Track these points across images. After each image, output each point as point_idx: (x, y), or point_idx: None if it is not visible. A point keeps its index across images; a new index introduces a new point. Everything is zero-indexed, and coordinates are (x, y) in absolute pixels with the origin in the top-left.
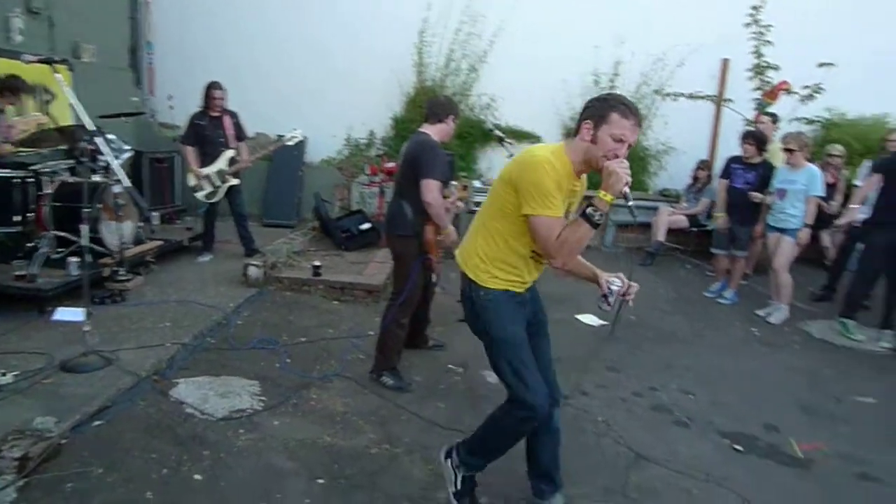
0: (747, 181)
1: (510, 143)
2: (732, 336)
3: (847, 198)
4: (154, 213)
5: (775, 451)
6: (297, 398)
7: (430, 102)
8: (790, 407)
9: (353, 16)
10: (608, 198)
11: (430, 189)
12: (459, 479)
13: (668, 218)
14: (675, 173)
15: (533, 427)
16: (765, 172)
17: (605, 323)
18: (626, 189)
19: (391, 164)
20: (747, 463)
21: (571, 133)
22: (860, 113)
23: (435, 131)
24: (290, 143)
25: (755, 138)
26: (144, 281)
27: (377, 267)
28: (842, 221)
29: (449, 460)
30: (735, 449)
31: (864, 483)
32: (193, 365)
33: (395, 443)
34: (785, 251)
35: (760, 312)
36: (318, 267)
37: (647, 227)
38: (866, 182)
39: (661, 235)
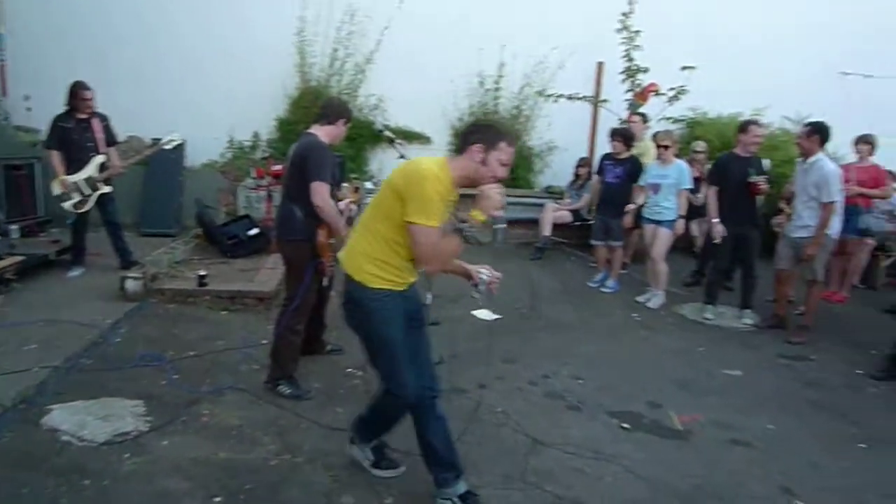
0: (617, 175)
1: (401, 144)
2: (615, 322)
3: None
4: (13, 226)
5: (658, 425)
6: (188, 415)
7: (322, 104)
8: (669, 384)
9: (230, 12)
10: (481, 217)
11: (320, 192)
12: (369, 450)
13: (553, 214)
14: (558, 171)
15: (407, 409)
16: (632, 167)
17: (499, 317)
18: (498, 213)
19: (278, 167)
20: (634, 439)
21: (459, 133)
22: (719, 112)
23: (324, 133)
24: (167, 146)
25: (622, 135)
26: (4, 301)
27: (268, 273)
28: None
29: (354, 446)
30: (622, 427)
31: (736, 447)
32: (68, 389)
33: (295, 452)
34: (661, 241)
35: (640, 299)
36: (203, 276)
37: (534, 223)
38: (712, 195)
39: (547, 231)
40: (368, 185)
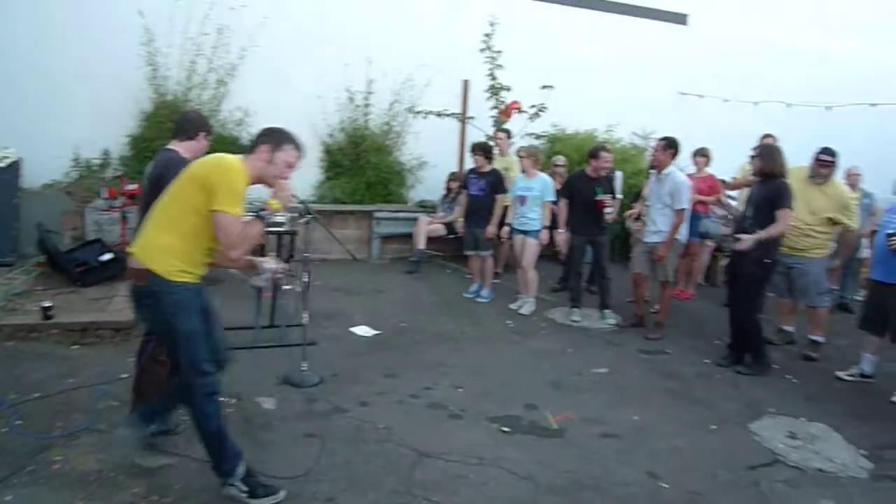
0: (480, 188)
1: None
2: (491, 330)
3: None
4: None
5: (535, 426)
6: (35, 464)
7: (179, 118)
8: (543, 385)
9: (73, 23)
10: (277, 206)
11: None
12: (240, 484)
13: (426, 227)
14: (430, 185)
15: (214, 393)
16: (494, 179)
17: (378, 332)
18: (293, 202)
19: (133, 186)
20: (514, 441)
21: (335, 148)
22: (576, 129)
23: (184, 148)
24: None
25: (482, 149)
26: None
27: (124, 301)
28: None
29: (225, 485)
30: (503, 431)
31: (607, 439)
32: None
33: (164, 492)
34: (530, 250)
35: (513, 306)
36: (48, 308)
37: (409, 237)
38: (563, 206)
39: (421, 244)
40: None
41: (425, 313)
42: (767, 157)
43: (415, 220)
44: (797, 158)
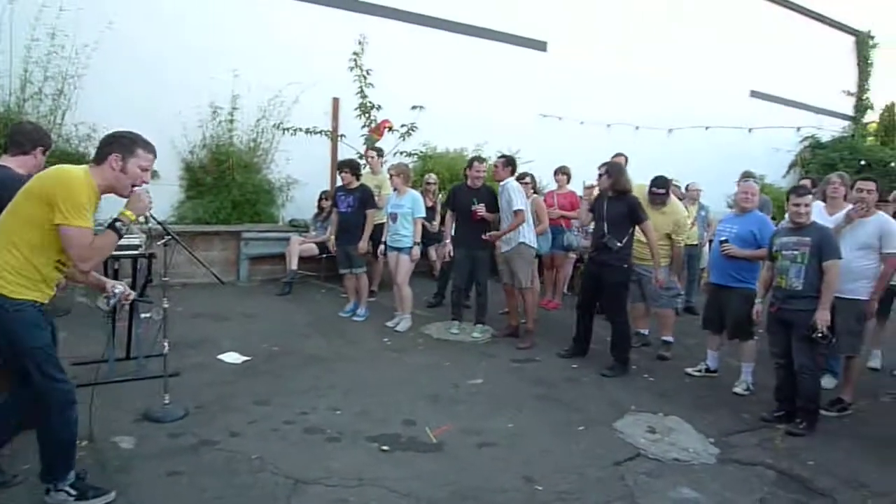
0: (349, 205)
1: None
2: (368, 349)
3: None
4: None
5: (414, 441)
6: None
7: (12, 130)
8: (421, 400)
9: None
10: (132, 216)
11: None
12: (69, 488)
13: (299, 247)
14: (301, 204)
15: (73, 400)
16: (363, 195)
17: (248, 358)
18: (149, 212)
19: None
20: (394, 459)
21: (196, 166)
22: (447, 147)
23: (17, 164)
24: None
25: (349, 166)
26: None
27: None
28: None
29: (51, 493)
30: (382, 449)
31: (485, 449)
32: None
33: None
34: (403, 267)
35: (389, 324)
36: None
37: (280, 257)
38: (449, 219)
39: (294, 264)
40: None
41: (299, 335)
42: (617, 175)
43: (286, 239)
44: (646, 175)
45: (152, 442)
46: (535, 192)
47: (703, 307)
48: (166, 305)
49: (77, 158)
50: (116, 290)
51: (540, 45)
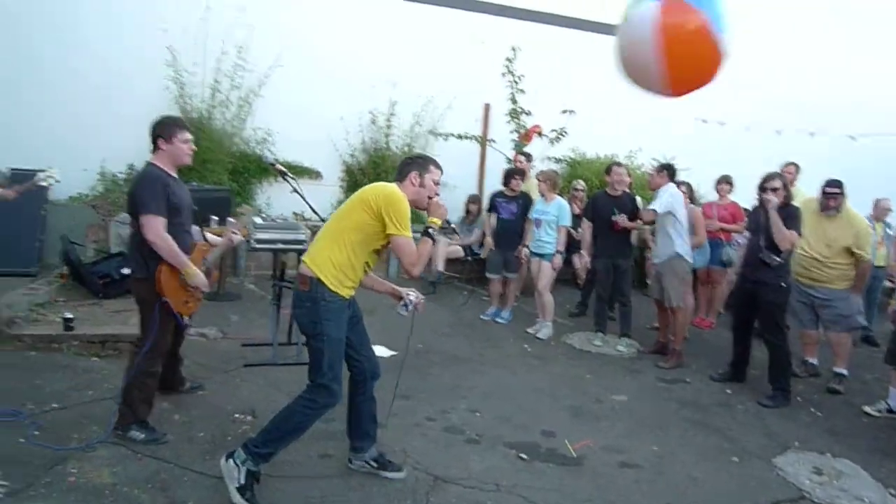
0: (512, 212)
1: (293, 178)
2: (508, 353)
3: None
4: None
5: (554, 453)
6: (51, 476)
7: (152, 124)
8: (562, 412)
9: (101, 41)
10: (438, 222)
11: (152, 227)
12: (244, 473)
13: (445, 249)
14: (449, 207)
15: (334, 403)
16: (525, 202)
17: (394, 353)
18: (447, 217)
19: None
20: (532, 468)
21: (356, 168)
22: (596, 153)
23: (162, 158)
24: (44, 183)
25: (521, 174)
26: None
27: None
28: (578, 265)
29: (230, 460)
30: (521, 457)
31: (627, 469)
32: None
33: None
34: (545, 274)
35: (530, 330)
36: (69, 320)
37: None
38: (587, 228)
39: (440, 265)
40: (257, 219)
41: (442, 335)
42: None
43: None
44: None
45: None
46: (691, 202)
47: (890, 339)
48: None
49: (253, 159)
50: (411, 297)
51: None
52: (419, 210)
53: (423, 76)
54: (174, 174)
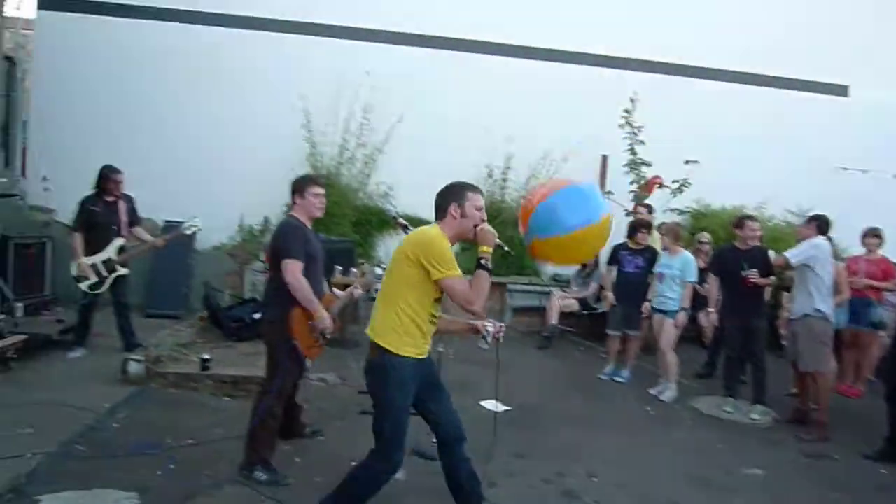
0: (638, 266)
1: (411, 229)
2: (628, 416)
3: None
4: (18, 304)
5: None
6: None
7: (292, 181)
8: (688, 482)
9: (240, 103)
10: (489, 249)
11: (291, 270)
12: None
13: (560, 302)
14: None
15: (387, 481)
16: (651, 256)
17: (508, 408)
18: (497, 240)
19: None
20: None
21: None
22: (722, 204)
23: (299, 211)
24: (188, 231)
25: (648, 227)
26: (3, 380)
27: None
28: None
29: None
30: None
31: None
32: (59, 477)
33: None
34: (668, 332)
35: (652, 391)
36: (206, 360)
37: (540, 311)
38: (713, 284)
39: (554, 319)
40: (378, 270)
41: (558, 392)
42: None
43: (547, 293)
44: None
45: (421, 478)
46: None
47: None
48: (441, 349)
49: (375, 212)
50: (488, 328)
51: (839, 90)
52: (470, 241)
53: (539, 130)
54: (309, 226)
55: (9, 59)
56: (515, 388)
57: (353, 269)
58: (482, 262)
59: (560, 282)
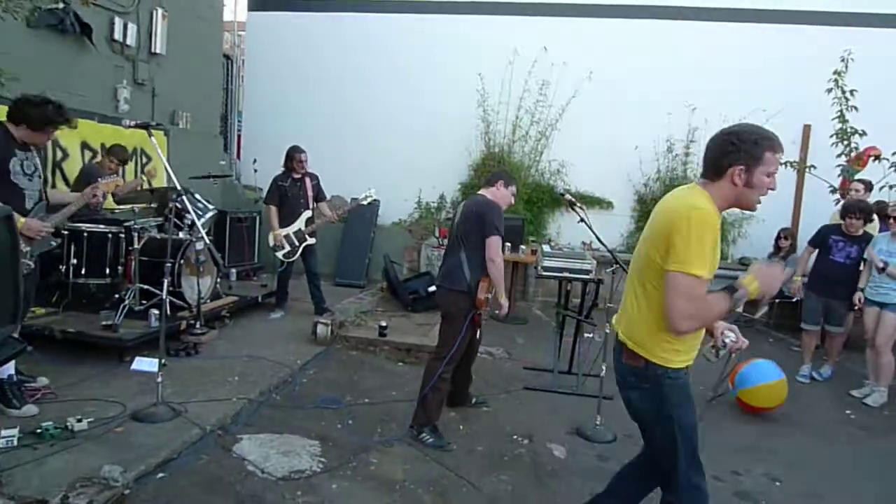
0: (850, 256)
1: (581, 208)
2: (824, 418)
3: None
4: (233, 270)
5: None
6: (357, 461)
7: (496, 172)
8: (893, 500)
9: (422, 88)
10: (755, 294)
11: (495, 246)
12: None
13: None
14: (755, 241)
15: None
16: (867, 245)
17: None
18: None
19: None
20: None
21: (649, 198)
22: None
23: (495, 195)
24: (364, 202)
25: (862, 211)
26: (218, 335)
27: None
28: None
29: None
30: None
31: None
32: (257, 421)
33: None
34: (887, 328)
35: (856, 393)
36: (384, 327)
37: None
38: None
39: (740, 306)
40: (546, 248)
41: None
42: None
43: (734, 278)
44: None
45: (581, 458)
46: None
47: None
48: (608, 331)
49: (546, 189)
50: (727, 340)
51: None
52: (746, 210)
53: (727, 99)
54: None
55: (227, 57)
56: (692, 378)
57: (523, 247)
58: (738, 294)
59: (748, 265)
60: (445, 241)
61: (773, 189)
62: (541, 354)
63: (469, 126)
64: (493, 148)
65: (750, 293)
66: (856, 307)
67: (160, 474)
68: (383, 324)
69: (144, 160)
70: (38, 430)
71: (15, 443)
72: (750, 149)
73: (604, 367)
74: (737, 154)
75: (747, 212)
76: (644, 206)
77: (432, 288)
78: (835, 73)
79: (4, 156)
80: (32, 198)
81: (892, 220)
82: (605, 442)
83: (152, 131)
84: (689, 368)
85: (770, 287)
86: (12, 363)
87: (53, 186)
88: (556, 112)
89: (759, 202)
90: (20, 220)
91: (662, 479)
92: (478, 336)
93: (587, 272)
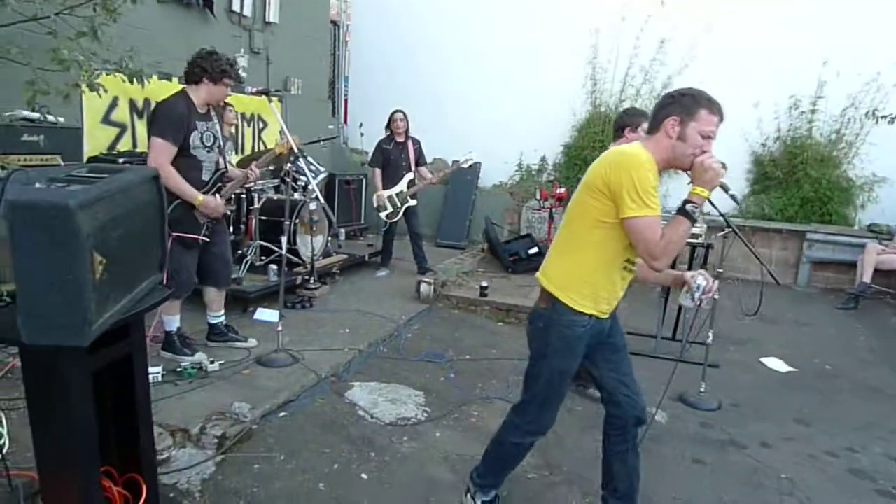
0: None
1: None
2: None
3: None
4: (341, 230)
5: None
6: (459, 413)
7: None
8: None
9: (526, 50)
10: (705, 193)
11: None
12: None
13: (876, 257)
14: (887, 206)
15: (532, 443)
16: None
17: (793, 369)
18: (724, 180)
19: (562, 190)
20: None
21: (766, 160)
22: None
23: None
24: (465, 165)
25: None
26: (329, 290)
27: None
28: None
29: (467, 496)
30: None
31: None
32: (367, 370)
33: (554, 471)
34: None
35: None
36: (485, 288)
37: (849, 266)
38: None
39: (867, 276)
40: None
41: (859, 359)
42: None
43: (860, 246)
44: None
45: (683, 424)
46: None
47: None
48: (716, 297)
49: None
50: (698, 282)
51: None
52: (681, 170)
53: (864, 51)
54: None
55: (334, 23)
56: (806, 349)
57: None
58: (688, 206)
59: (878, 233)
60: (545, 204)
61: (706, 152)
62: (643, 320)
63: (575, 85)
64: (600, 107)
65: (703, 196)
66: None
67: (282, 413)
68: (484, 284)
69: (261, 125)
70: (178, 369)
71: (160, 378)
72: (687, 102)
73: (710, 335)
74: (673, 106)
75: (878, 173)
76: (761, 168)
77: (532, 250)
78: None
79: (187, 131)
80: (210, 169)
81: None
82: (709, 409)
83: (272, 97)
84: (595, 318)
85: (714, 176)
86: (177, 317)
87: None
88: (672, 71)
89: (692, 164)
90: (199, 198)
91: (518, 405)
92: None
93: (696, 236)
